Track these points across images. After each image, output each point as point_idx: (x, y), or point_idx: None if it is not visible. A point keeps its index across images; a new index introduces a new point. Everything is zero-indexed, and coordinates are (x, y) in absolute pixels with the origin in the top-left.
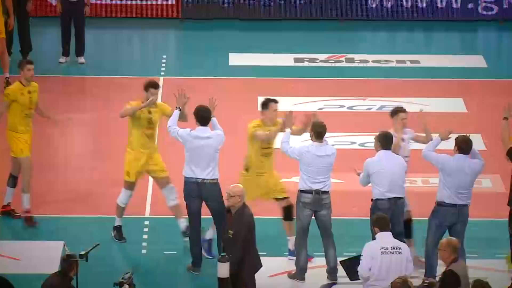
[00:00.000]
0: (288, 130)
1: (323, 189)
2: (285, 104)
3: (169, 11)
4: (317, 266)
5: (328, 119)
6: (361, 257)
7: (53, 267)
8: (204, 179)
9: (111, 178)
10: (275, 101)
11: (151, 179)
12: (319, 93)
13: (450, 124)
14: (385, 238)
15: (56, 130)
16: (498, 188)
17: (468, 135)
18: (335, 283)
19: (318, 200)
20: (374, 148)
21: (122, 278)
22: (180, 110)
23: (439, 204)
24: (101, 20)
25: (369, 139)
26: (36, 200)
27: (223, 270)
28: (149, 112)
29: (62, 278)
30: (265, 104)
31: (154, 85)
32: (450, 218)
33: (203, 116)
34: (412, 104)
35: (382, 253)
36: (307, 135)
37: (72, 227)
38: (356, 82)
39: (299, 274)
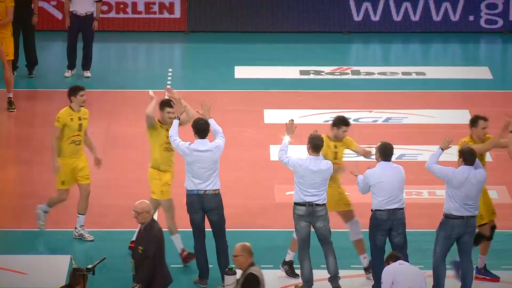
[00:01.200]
0: (287, 137)
1: (317, 202)
2: (291, 116)
3: (175, 24)
4: (325, 278)
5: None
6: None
7: (61, 281)
8: (206, 190)
9: (117, 191)
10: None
11: None
12: (325, 105)
13: (456, 135)
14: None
15: None
16: (505, 199)
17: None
18: None
19: (312, 212)
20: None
21: None
22: (179, 119)
23: (447, 216)
24: (107, 33)
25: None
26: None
27: (230, 282)
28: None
29: None
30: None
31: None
32: (458, 229)
33: (201, 129)
34: (417, 116)
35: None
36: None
37: (79, 241)
38: (362, 94)
39: (305, 286)
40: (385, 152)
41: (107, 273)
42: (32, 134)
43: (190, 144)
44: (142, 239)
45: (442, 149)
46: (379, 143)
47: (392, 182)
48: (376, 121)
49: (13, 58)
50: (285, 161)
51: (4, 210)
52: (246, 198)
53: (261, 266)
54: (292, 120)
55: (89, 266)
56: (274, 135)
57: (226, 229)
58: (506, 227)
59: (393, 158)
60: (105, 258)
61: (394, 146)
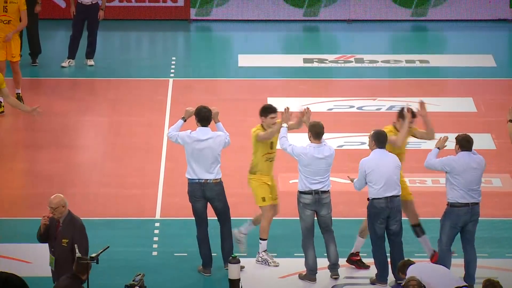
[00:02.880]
0: (285, 125)
1: (322, 189)
2: (294, 105)
3: (178, 13)
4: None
5: (337, 119)
6: None
7: None
8: (207, 179)
9: (120, 180)
10: (274, 111)
11: (161, 182)
12: (329, 93)
13: (459, 123)
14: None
15: (67, 132)
16: (508, 187)
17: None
18: None
19: (318, 200)
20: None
21: (133, 280)
22: (185, 121)
23: (452, 205)
24: (110, 22)
25: None
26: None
27: (234, 271)
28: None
29: (74, 280)
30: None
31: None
32: (463, 218)
33: (204, 116)
34: None
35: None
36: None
37: None
38: (365, 83)
39: (309, 274)
40: (380, 139)
41: (110, 262)
42: (36, 122)
43: (191, 132)
44: (65, 232)
45: (439, 148)
46: (373, 131)
47: (388, 169)
48: (380, 109)
49: (19, 59)
50: (288, 149)
51: (9, 199)
52: (245, 187)
53: (295, 254)
54: (287, 107)
55: (93, 255)
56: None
57: (231, 217)
58: (509, 215)
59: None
60: (108, 247)
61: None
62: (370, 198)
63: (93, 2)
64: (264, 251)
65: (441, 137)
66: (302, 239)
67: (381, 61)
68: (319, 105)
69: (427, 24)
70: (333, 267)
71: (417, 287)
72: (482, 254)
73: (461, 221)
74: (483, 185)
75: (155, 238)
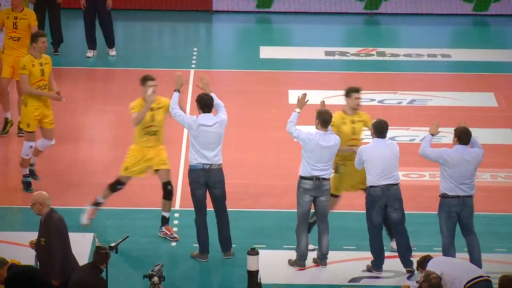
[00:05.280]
0: (297, 110)
1: (323, 176)
2: (315, 97)
3: (200, 3)
4: (334, 262)
5: None
6: None
7: (84, 258)
8: (212, 164)
9: None
10: (152, 78)
11: (181, 172)
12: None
13: (480, 118)
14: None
15: (86, 122)
16: None
17: (466, 126)
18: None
19: (318, 186)
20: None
21: (152, 270)
22: (179, 92)
23: (443, 196)
24: (131, 12)
25: (399, 133)
26: (66, 192)
27: (253, 263)
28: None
29: (93, 269)
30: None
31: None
32: (454, 209)
33: (206, 104)
34: (442, 99)
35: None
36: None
37: (101, 219)
38: (387, 76)
39: (299, 260)
40: (379, 129)
41: (129, 251)
42: (56, 112)
43: (196, 117)
44: (43, 231)
45: (432, 135)
46: (375, 120)
47: (385, 158)
48: (401, 103)
49: (9, 77)
50: (294, 134)
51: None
52: (270, 178)
53: (284, 246)
54: (304, 94)
55: (112, 245)
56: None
57: (250, 209)
58: None
59: (418, 140)
60: (128, 236)
61: (418, 128)
62: (367, 186)
63: None
64: None
65: (433, 123)
66: (297, 224)
67: (403, 55)
68: (339, 98)
69: (450, 18)
70: (323, 258)
71: (438, 280)
72: (501, 249)
73: (454, 211)
74: (502, 180)
75: (175, 229)
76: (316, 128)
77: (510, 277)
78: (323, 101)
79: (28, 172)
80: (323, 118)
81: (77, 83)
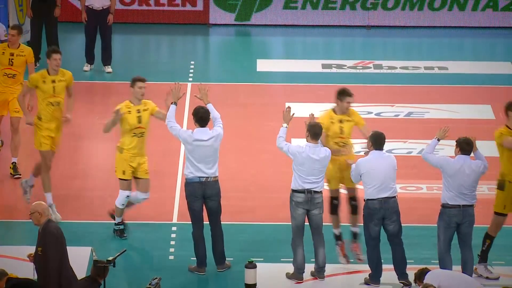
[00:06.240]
0: (285, 125)
1: (315, 189)
2: (312, 110)
3: (197, 17)
4: (331, 274)
5: None
6: None
7: (82, 272)
8: (208, 177)
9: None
10: (142, 80)
11: (179, 185)
12: None
13: (477, 130)
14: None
15: (82, 135)
16: None
17: (472, 137)
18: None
19: (310, 199)
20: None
21: (150, 284)
22: (176, 105)
23: (443, 206)
24: (129, 26)
25: (396, 146)
26: (64, 205)
27: (251, 276)
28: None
29: (91, 283)
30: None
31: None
32: (455, 219)
33: (202, 117)
34: (439, 111)
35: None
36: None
37: (99, 233)
38: (384, 89)
39: (297, 273)
40: (377, 141)
41: (127, 265)
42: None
43: (192, 132)
44: (40, 240)
45: (438, 140)
46: (372, 132)
47: (383, 171)
48: (398, 115)
49: (22, 116)
50: (284, 148)
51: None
52: (267, 191)
53: (282, 259)
54: (289, 107)
55: (110, 258)
56: (296, 128)
57: (248, 222)
58: None
59: (415, 152)
60: (125, 250)
61: (415, 141)
62: (365, 199)
63: (104, 7)
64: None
65: (442, 128)
66: (292, 238)
67: (400, 67)
68: None
69: (444, 30)
70: (320, 271)
71: None
72: (499, 262)
73: (453, 221)
74: None
75: (172, 242)
76: (307, 140)
77: None
78: (312, 114)
79: (120, 220)
80: (314, 131)
81: (75, 96)
